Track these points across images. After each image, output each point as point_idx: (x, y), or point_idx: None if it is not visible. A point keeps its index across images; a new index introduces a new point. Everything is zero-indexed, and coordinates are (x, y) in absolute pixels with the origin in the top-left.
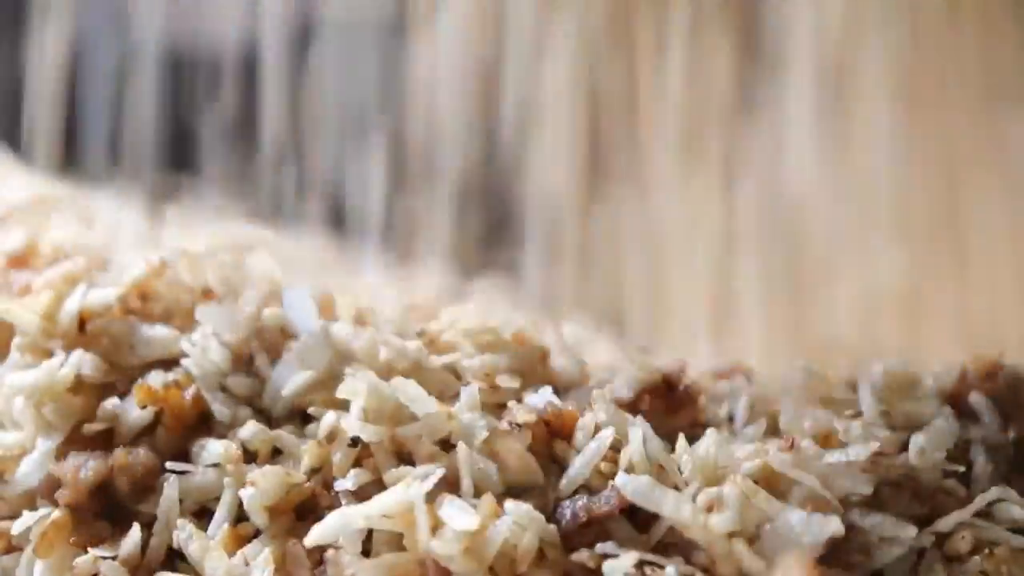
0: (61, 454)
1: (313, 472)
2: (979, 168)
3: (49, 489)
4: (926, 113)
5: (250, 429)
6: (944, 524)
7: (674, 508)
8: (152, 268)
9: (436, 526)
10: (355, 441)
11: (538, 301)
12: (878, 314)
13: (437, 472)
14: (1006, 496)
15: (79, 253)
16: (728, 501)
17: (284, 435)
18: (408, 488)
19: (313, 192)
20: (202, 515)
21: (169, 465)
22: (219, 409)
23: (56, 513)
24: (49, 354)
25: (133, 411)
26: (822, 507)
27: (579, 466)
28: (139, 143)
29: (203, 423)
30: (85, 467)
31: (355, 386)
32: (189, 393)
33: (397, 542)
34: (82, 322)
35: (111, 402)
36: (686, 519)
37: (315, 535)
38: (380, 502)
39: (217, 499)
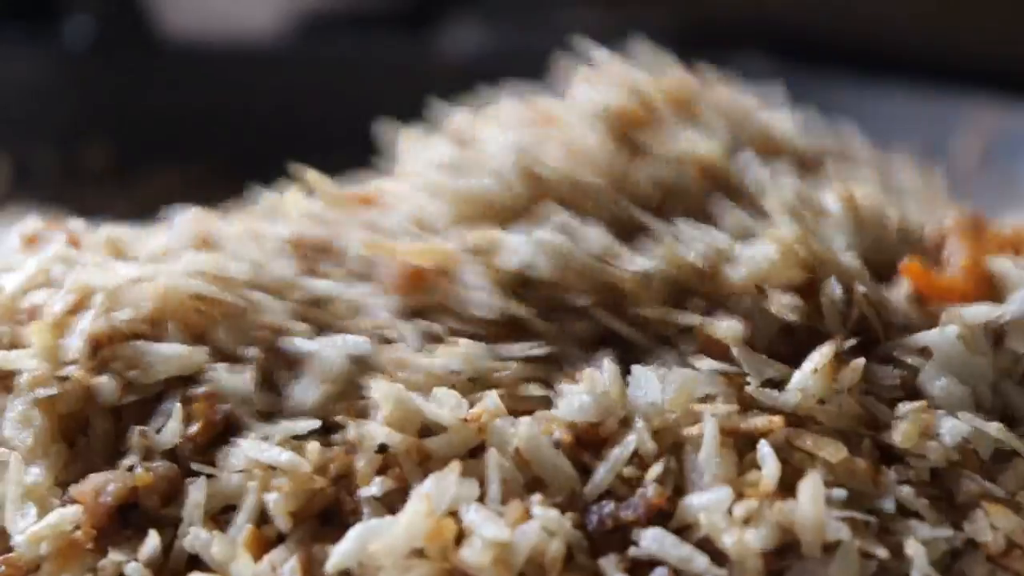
0: (81, 473)
1: (338, 478)
2: None
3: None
4: None
5: (278, 439)
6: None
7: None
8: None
9: (463, 534)
10: (382, 448)
11: None
12: None
13: (454, 479)
14: None
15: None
16: (764, 516)
17: (310, 445)
18: (431, 501)
19: None
20: (223, 520)
21: (195, 466)
22: (251, 423)
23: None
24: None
25: (160, 434)
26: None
27: (603, 472)
28: None
29: (222, 435)
30: (105, 493)
31: (385, 391)
32: (222, 410)
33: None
34: (96, 347)
35: (136, 433)
36: (718, 526)
37: (336, 559)
38: (403, 519)
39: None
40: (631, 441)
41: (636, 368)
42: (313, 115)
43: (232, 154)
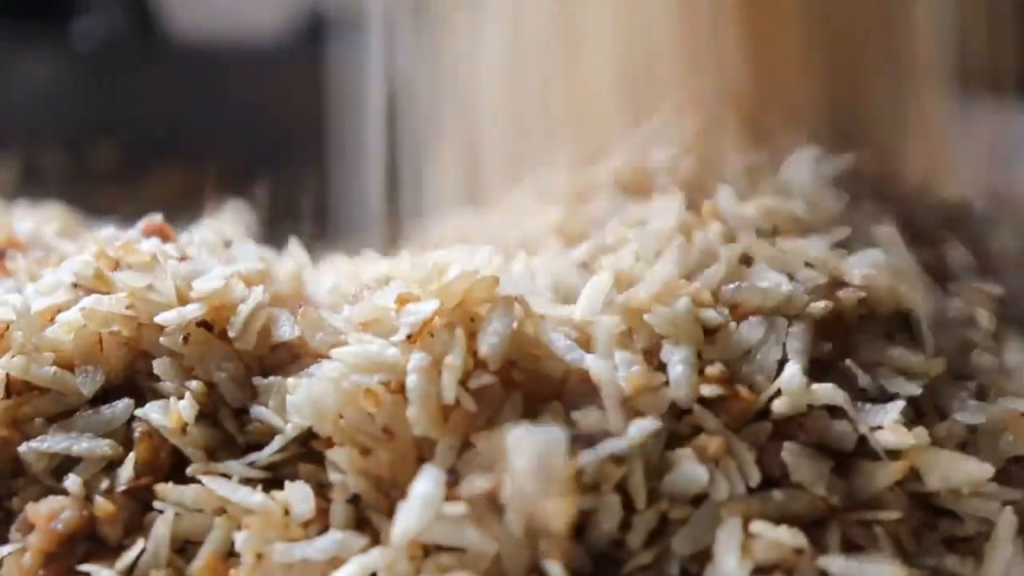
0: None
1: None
2: None
3: (25, 528)
4: None
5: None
6: None
7: None
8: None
9: None
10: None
11: None
12: None
13: None
14: None
15: None
16: None
17: (279, 494)
18: None
19: None
20: (183, 552)
21: (158, 505)
22: (197, 453)
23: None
24: None
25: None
26: None
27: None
28: None
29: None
30: (59, 519)
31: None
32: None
33: None
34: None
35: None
36: None
37: None
38: None
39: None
40: None
41: None
42: (321, 116)
43: (239, 155)
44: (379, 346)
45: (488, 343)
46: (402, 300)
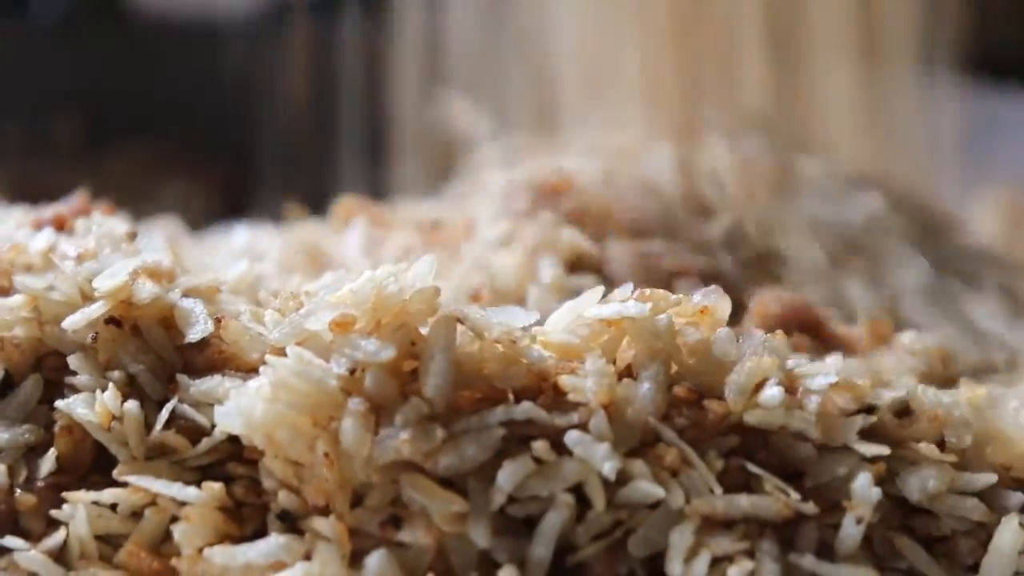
0: None
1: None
2: None
3: None
4: None
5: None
6: None
7: None
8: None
9: None
10: (284, 514)
11: None
12: None
13: None
14: None
15: None
16: None
17: (216, 485)
18: None
19: None
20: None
21: (67, 509)
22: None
23: None
24: None
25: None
26: None
27: None
28: None
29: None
30: None
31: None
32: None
33: None
34: None
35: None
36: None
37: None
38: None
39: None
40: None
41: None
42: (281, 92)
43: (200, 130)
44: (319, 373)
45: (432, 385)
46: (339, 324)
